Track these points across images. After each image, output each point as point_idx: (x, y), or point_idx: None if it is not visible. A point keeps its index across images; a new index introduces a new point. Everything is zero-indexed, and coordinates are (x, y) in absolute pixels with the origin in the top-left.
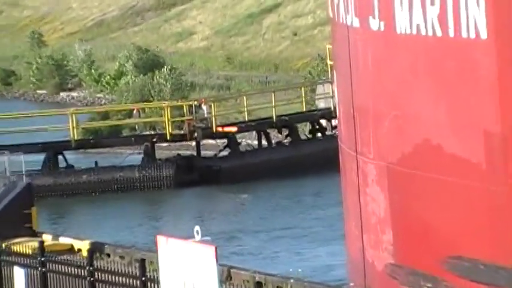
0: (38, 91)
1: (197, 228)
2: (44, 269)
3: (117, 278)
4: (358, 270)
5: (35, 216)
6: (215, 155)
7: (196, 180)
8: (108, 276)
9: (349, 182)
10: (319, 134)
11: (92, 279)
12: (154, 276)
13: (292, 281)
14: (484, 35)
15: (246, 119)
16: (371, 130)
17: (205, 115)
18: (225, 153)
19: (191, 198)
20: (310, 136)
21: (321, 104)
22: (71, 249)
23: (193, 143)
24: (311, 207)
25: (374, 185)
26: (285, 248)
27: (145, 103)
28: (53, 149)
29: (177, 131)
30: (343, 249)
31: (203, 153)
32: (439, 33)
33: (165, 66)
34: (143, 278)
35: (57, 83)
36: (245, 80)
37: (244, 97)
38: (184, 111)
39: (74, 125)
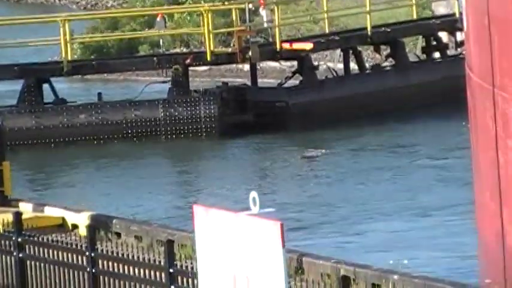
0: None
1: (254, 195)
2: (21, 255)
3: (131, 268)
4: (494, 259)
5: (8, 175)
6: (279, 84)
7: (251, 123)
8: (117, 266)
9: (481, 130)
10: (436, 54)
11: (93, 270)
12: (187, 267)
13: (396, 277)
14: None
15: (327, 30)
16: None
17: (265, 24)
18: (294, 82)
19: (242, 152)
20: (423, 57)
21: (440, 9)
22: (61, 225)
23: (247, 67)
24: (421, 168)
25: None
26: (376, 227)
27: (173, 6)
28: (35, 75)
29: (222, 49)
30: (470, 229)
31: (261, 82)
32: None
33: None
34: (171, 270)
35: None
36: None
37: None
38: (233, 18)
39: (67, 39)
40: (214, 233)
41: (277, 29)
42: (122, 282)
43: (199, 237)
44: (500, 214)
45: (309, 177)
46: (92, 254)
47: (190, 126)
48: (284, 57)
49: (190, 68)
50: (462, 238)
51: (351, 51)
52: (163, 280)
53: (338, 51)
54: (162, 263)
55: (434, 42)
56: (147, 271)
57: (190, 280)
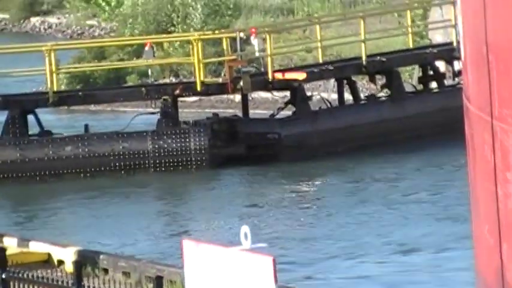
0: None
1: (246, 229)
2: None
3: None
4: None
5: None
6: (271, 115)
7: (242, 155)
8: None
9: (480, 163)
10: (433, 84)
11: None
12: None
13: None
14: None
15: (320, 60)
16: None
17: (257, 54)
18: (287, 113)
19: (233, 185)
20: (420, 87)
21: (437, 38)
22: (47, 261)
23: (238, 98)
24: (416, 202)
25: None
26: (369, 264)
27: (163, 35)
28: (20, 106)
29: (212, 79)
30: (470, 264)
31: (253, 113)
32: None
33: None
34: None
35: (25, 3)
36: None
37: (317, 26)
38: (224, 47)
39: (53, 69)
40: (204, 268)
41: (269, 59)
42: None
43: (189, 273)
44: (500, 249)
45: (301, 210)
46: None
47: (179, 159)
48: (276, 87)
49: (180, 99)
50: (459, 274)
51: (345, 81)
52: None
53: (332, 81)
54: None
55: (431, 72)
56: None
57: None
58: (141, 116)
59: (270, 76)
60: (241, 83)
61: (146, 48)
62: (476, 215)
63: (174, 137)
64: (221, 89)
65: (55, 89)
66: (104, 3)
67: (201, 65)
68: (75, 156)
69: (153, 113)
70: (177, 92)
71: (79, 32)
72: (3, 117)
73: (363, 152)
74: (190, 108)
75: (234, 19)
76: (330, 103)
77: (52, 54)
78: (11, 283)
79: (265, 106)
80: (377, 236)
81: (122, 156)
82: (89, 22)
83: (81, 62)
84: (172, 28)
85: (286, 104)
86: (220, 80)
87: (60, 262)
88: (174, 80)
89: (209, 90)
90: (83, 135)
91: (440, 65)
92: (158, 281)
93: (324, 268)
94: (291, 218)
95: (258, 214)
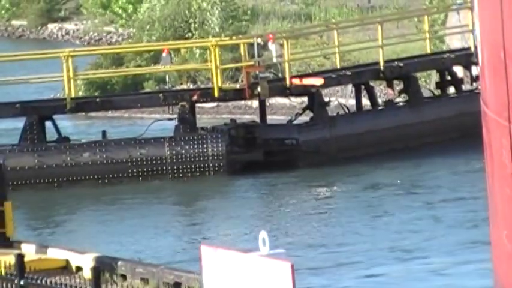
0: (12, 22)
1: (264, 235)
2: None
3: None
4: None
5: (10, 215)
6: (289, 121)
7: (260, 161)
8: None
9: (497, 167)
10: (451, 89)
11: None
12: None
13: None
14: None
15: (338, 65)
16: None
17: (274, 60)
18: (305, 118)
19: (251, 191)
20: (437, 93)
21: (455, 43)
22: (65, 268)
23: (255, 103)
24: (435, 208)
25: None
26: (385, 269)
27: (180, 41)
28: (38, 112)
29: (230, 85)
30: (487, 270)
31: (270, 119)
32: None
33: None
34: None
35: (43, 10)
36: (335, 4)
37: (335, 32)
38: (242, 53)
39: (70, 75)
40: (222, 274)
41: (286, 64)
42: None
43: (208, 278)
44: None
45: (319, 216)
46: None
47: (197, 165)
48: (294, 93)
49: (198, 105)
50: (473, 281)
51: (362, 87)
52: None
53: (349, 86)
54: None
55: (449, 77)
56: None
57: None
58: (159, 122)
59: (287, 82)
60: (259, 89)
61: (164, 54)
62: (494, 221)
63: (191, 143)
64: (239, 94)
65: (72, 96)
66: (120, 10)
67: (219, 71)
68: (93, 162)
69: (170, 119)
70: (195, 98)
71: (96, 38)
72: (21, 123)
73: (381, 157)
74: (208, 114)
75: (251, 24)
76: (347, 109)
77: (69, 61)
78: None
79: (282, 112)
80: (394, 242)
81: (139, 163)
82: (106, 28)
83: (98, 69)
84: (190, 34)
85: (304, 109)
86: (237, 85)
87: (78, 268)
88: (191, 86)
89: (227, 96)
90: (100, 142)
91: (458, 70)
92: (176, 287)
93: (341, 275)
94: (309, 223)
95: (276, 220)
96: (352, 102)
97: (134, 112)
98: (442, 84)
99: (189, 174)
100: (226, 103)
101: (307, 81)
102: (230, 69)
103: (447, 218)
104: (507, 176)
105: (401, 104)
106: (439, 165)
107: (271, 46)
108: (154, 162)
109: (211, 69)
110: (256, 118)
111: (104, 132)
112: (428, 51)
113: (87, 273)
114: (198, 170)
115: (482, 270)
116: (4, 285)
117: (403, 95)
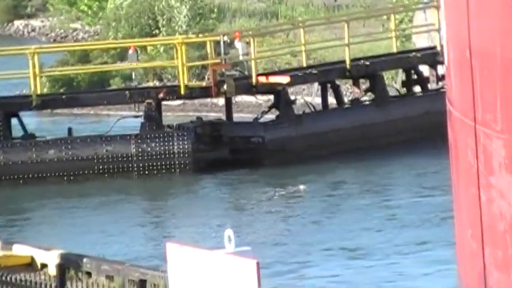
0: None
1: (229, 232)
2: None
3: None
4: None
5: None
6: (255, 119)
7: (226, 159)
8: None
9: (463, 167)
10: (417, 88)
11: None
12: None
13: None
14: None
15: (304, 64)
16: (498, 88)
17: (241, 57)
18: (271, 116)
19: (217, 188)
20: (403, 91)
21: (421, 42)
22: (30, 265)
23: (222, 101)
24: (399, 207)
25: (503, 172)
26: (349, 267)
27: (146, 39)
28: (3, 109)
29: (196, 83)
30: (450, 270)
31: (237, 116)
32: None
33: None
34: None
35: (9, 6)
36: (302, 2)
37: (301, 30)
38: (208, 51)
39: (36, 72)
40: (188, 271)
41: (253, 62)
42: None
43: (173, 276)
44: (482, 254)
45: (284, 214)
46: None
47: (163, 162)
48: (260, 91)
49: (164, 102)
50: (443, 278)
51: (329, 85)
52: None
53: (316, 85)
54: None
55: (415, 76)
56: None
57: None
58: (125, 119)
59: (253, 80)
60: (225, 87)
61: (130, 51)
62: (459, 220)
63: (157, 140)
64: (205, 92)
65: (38, 92)
66: (86, 8)
67: (185, 69)
68: (59, 159)
69: (136, 117)
70: (161, 95)
71: (63, 35)
72: None
73: (347, 155)
74: (174, 112)
75: (218, 22)
76: (313, 107)
77: (35, 57)
78: None
79: (249, 110)
80: (352, 241)
81: (105, 160)
82: (73, 25)
83: (64, 65)
84: (157, 31)
85: (270, 107)
86: (204, 83)
87: (44, 265)
88: (157, 84)
89: (193, 93)
90: (66, 139)
91: (424, 69)
92: (142, 284)
93: (307, 272)
94: (275, 221)
95: (242, 218)
96: (318, 100)
97: (100, 109)
98: (408, 83)
99: (155, 172)
100: (193, 101)
101: (273, 79)
102: (196, 67)
103: (409, 218)
104: (472, 176)
105: (367, 102)
106: (404, 164)
107: (238, 44)
108: (120, 159)
109: (178, 67)
110: (223, 116)
111: (69, 129)
112: (395, 50)
113: (52, 270)
114: (164, 167)
115: (444, 271)
116: None
117: (369, 94)
